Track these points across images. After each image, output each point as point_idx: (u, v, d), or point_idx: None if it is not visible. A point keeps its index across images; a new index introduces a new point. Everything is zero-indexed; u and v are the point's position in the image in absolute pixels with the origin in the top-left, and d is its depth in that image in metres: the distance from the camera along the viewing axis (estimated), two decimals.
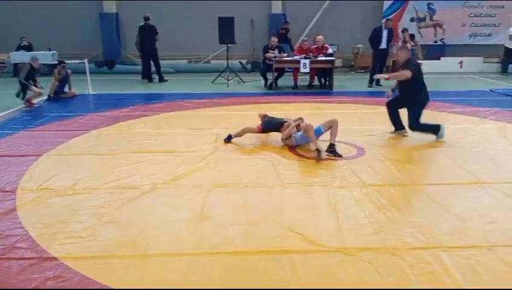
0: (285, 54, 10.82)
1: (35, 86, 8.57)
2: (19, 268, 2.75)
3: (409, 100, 5.74)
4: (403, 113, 5.91)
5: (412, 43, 11.02)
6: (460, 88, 10.64)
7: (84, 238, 3.13)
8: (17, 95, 8.35)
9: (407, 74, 5.52)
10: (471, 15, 15.12)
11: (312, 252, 2.95)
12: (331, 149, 5.06)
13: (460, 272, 2.70)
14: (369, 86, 11.19)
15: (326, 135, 5.21)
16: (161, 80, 11.88)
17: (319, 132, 5.17)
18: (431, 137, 5.77)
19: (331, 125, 5.15)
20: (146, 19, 11.50)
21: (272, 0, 14.79)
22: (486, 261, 2.83)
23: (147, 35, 11.44)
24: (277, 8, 14.89)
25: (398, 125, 6.06)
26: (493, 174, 4.46)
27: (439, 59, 14.59)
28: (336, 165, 4.77)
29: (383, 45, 10.96)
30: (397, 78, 5.75)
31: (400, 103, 5.91)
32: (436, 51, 15.18)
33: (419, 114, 5.73)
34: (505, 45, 13.55)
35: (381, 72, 11.13)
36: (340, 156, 5.01)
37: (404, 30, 11.74)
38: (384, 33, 10.96)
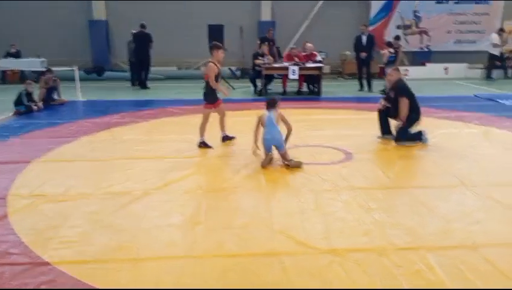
0: (271, 59, 10.93)
1: (36, 105, 8.55)
2: (12, 273, 2.78)
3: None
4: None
5: (391, 50, 11.22)
6: (445, 94, 10.86)
7: (77, 243, 3.17)
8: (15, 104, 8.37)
9: (405, 104, 5.82)
10: (456, 22, 15.42)
11: (302, 254, 3.03)
12: (292, 163, 4.93)
13: (444, 271, 2.79)
14: (359, 90, 11.57)
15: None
16: (145, 87, 11.95)
17: (282, 144, 5.03)
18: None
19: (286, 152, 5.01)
20: (142, 26, 11.60)
21: (261, 1, 14.92)
22: (470, 261, 2.93)
23: (142, 42, 11.53)
24: (266, 15, 15.05)
25: (385, 130, 6.18)
26: (477, 177, 4.59)
27: (424, 65, 14.84)
28: (324, 169, 4.86)
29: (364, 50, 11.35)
30: (406, 112, 5.86)
31: (391, 114, 6.05)
32: (422, 58, 15.43)
33: (407, 130, 5.90)
34: (489, 52, 13.85)
35: (369, 76, 11.39)
36: (301, 163, 4.94)
37: (397, 37, 11.91)
38: (363, 39, 11.37)
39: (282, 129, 5.10)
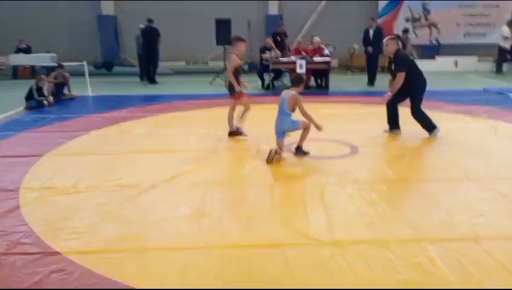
0: (278, 53, 10.93)
1: (46, 100, 8.64)
2: (24, 262, 2.87)
3: (408, 90, 5.87)
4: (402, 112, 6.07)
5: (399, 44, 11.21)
6: (455, 87, 10.79)
7: (86, 233, 3.26)
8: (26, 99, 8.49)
9: (401, 78, 5.75)
10: (466, 15, 15.28)
11: (305, 245, 3.08)
12: (299, 151, 5.06)
13: (445, 263, 2.82)
14: (368, 85, 11.48)
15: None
16: (153, 81, 12.05)
17: (294, 124, 4.99)
18: (423, 135, 5.92)
19: (305, 128, 4.96)
20: (149, 21, 11.67)
21: (268, 0, 14.94)
22: (471, 253, 2.95)
23: (150, 37, 11.62)
24: (274, 9, 15.05)
25: (393, 125, 6.18)
26: (483, 171, 4.59)
27: (434, 59, 14.74)
28: (328, 162, 4.90)
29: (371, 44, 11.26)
30: (398, 86, 5.83)
31: (400, 97, 6.00)
32: (431, 51, 15.32)
33: (418, 100, 5.90)
34: (499, 44, 13.70)
35: (374, 70, 11.35)
36: (308, 153, 5.07)
37: (405, 30, 11.83)
38: (371, 33, 11.27)
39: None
